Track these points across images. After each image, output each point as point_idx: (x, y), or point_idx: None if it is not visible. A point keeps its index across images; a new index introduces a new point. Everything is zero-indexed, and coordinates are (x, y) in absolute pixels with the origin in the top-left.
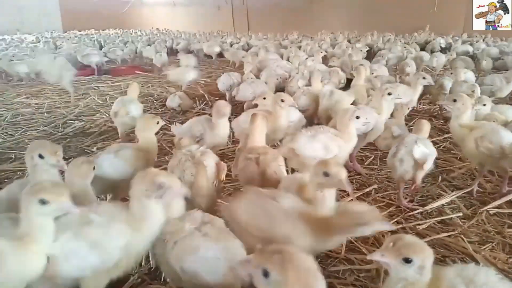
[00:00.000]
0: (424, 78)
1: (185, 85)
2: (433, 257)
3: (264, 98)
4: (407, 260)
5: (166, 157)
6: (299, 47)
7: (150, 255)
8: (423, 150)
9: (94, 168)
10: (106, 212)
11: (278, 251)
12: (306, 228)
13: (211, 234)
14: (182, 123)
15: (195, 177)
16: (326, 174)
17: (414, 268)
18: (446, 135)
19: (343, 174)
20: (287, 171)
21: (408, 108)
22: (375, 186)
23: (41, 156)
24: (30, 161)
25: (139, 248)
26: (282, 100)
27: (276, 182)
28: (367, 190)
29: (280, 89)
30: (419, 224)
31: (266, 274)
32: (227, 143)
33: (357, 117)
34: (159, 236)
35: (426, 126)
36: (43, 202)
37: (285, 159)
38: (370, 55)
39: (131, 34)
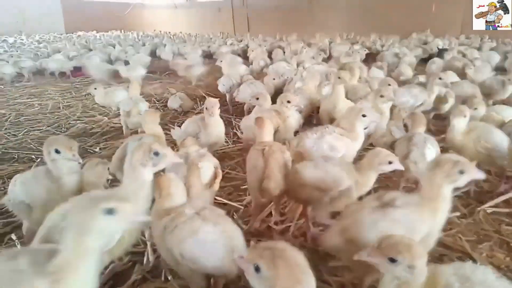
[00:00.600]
0: (440, 78)
1: (122, 109)
2: (426, 256)
3: (257, 99)
4: (392, 260)
5: None
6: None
7: (149, 252)
8: (433, 151)
9: (108, 169)
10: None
11: (269, 247)
12: (431, 216)
13: (210, 218)
14: (181, 124)
15: (186, 177)
16: (390, 162)
17: (402, 267)
18: (444, 135)
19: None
20: None
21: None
22: (375, 185)
23: (57, 151)
24: (47, 156)
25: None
26: (288, 101)
27: (276, 170)
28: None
29: (280, 90)
30: None
31: (257, 269)
32: (227, 142)
33: (364, 115)
34: (160, 222)
35: (423, 119)
36: (109, 212)
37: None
38: (370, 57)
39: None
